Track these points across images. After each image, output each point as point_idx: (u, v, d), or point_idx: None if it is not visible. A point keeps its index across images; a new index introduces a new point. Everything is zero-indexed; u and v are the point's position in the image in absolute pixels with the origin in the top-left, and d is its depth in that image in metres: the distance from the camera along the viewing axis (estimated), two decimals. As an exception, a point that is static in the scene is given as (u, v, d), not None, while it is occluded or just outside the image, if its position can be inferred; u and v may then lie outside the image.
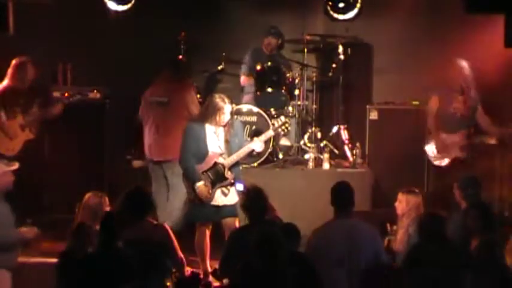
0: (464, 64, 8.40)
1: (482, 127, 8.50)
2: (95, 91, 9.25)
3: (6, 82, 8.41)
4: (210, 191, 7.26)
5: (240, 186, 7.32)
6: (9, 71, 8.39)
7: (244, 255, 5.81)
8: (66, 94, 9.00)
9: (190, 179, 7.32)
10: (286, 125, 7.59)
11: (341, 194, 6.23)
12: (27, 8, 8.57)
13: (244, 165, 8.47)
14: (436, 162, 8.54)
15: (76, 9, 9.48)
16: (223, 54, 9.74)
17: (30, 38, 8.94)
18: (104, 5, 9.31)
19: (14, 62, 8.40)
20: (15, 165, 6.52)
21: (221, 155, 7.32)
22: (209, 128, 7.33)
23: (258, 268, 5.38)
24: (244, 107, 9.20)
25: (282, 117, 7.66)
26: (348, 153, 9.43)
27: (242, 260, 5.61)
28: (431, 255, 5.83)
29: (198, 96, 9.36)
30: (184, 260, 6.55)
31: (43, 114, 8.45)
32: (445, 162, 8.47)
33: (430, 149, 8.55)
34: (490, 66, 9.09)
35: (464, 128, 8.45)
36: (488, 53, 9.06)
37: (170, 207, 8.33)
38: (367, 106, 9.69)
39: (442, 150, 8.46)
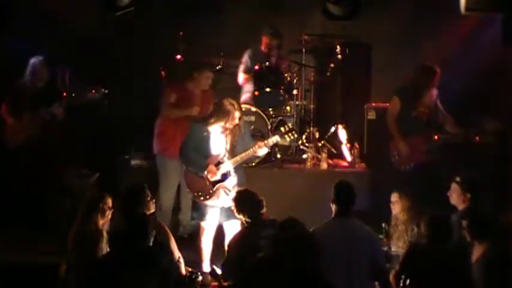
0: (434, 68, 8.40)
1: (444, 126, 8.48)
2: (94, 91, 9.25)
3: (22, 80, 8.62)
4: (212, 190, 7.27)
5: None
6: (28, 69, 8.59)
7: (248, 255, 5.82)
8: (65, 94, 9.02)
9: (196, 168, 7.33)
10: (293, 132, 7.57)
11: (343, 193, 6.20)
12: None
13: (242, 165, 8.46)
14: (401, 167, 8.51)
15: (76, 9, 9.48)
16: (222, 54, 9.74)
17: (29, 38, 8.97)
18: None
19: (31, 61, 8.58)
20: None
21: (224, 156, 7.33)
22: (215, 130, 7.35)
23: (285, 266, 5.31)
24: (243, 107, 9.17)
25: (290, 124, 7.61)
26: (346, 153, 9.43)
27: (257, 258, 5.56)
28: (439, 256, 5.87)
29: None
30: (182, 259, 6.55)
31: (47, 115, 8.60)
32: (409, 166, 8.45)
33: (393, 154, 8.52)
34: (487, 64, 9.11)
35: (427, 131, 8.44)
36: (485, 51, 9.09)
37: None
38: (365, 106, 9.70)
39: (406, 155, 8.44)
